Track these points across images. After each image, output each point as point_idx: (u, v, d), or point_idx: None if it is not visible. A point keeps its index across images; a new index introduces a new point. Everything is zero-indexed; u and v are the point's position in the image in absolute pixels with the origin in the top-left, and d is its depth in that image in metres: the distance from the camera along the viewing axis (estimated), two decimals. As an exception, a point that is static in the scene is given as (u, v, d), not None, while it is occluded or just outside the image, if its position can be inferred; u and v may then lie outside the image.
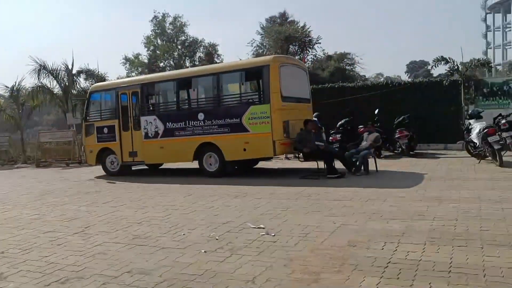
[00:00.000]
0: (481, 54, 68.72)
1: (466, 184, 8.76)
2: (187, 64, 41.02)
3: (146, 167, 14.45)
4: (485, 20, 78.55)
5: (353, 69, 34.88)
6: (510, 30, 72.71)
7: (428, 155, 14.08)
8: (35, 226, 7.14)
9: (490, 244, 4.85)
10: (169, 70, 34.33)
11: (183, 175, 12.93)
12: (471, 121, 11.87)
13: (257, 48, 36.00)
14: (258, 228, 6.10)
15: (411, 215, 6.37)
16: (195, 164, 12.37)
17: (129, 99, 13.09)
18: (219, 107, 11.74)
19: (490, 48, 75.58)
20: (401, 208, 6.87)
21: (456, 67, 15.26)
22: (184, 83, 12.86)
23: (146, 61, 42.76)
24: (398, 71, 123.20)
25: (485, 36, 78.17)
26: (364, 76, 38.92)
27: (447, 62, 15.28)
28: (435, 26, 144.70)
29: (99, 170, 14.33)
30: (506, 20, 73.44)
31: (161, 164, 14.52)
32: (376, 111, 14.79)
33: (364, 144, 11.32)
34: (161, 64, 42.45)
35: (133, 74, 40.71)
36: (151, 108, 13.08)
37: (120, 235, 6.26)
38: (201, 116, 11.73)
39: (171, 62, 42.21)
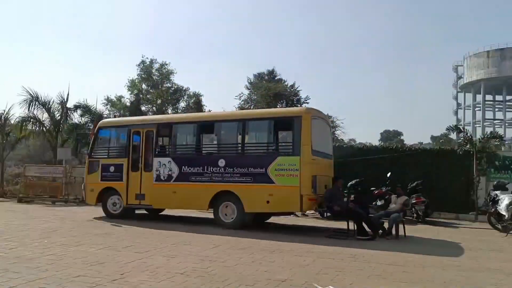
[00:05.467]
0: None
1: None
2: (169, 111, 40.32)
3: (145, 211, 13.49)
4: (456, 98, 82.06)
5: (334, 132, 34.93)
6: (479, 110, 75.72)
7: (443, 223, 13.69)
8: (59, 268, 6.26)
9: None
10: (151, 115, 33.46)
11: (190, 223, 12.13)
12: (497, 192, 11.69)
13: (244, 102, 35.98)
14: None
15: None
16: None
17: (143, 138, 12.34)
18: (242, 155, 11.20)
19: (460, 124, 78.29)
20: (470, 278, 6.41)
21: (469, 137, 15.32)
22: (206, 127, 12.26)
23: (128, 104, 41.87)
24: (371, 138, 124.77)
25: (456, 113, 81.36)
26: (342, 140, 38.87)
27: (460, 131, 15.37)
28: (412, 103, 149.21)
29: (92, 210, 13.43)
30: (476, 100, 76.67)
31: (162, 210, 13.61)
32: (389, 175, 14.50)
33: (393, 206, 10.87)
34: (143, 108, 41.58)
35: (116, 115, 39.66)
36: (166, 149, 12.38)
37: (169, 285, 5.52)
38: (221, 162, 11.11)
39: (153, 108, 41.52)
